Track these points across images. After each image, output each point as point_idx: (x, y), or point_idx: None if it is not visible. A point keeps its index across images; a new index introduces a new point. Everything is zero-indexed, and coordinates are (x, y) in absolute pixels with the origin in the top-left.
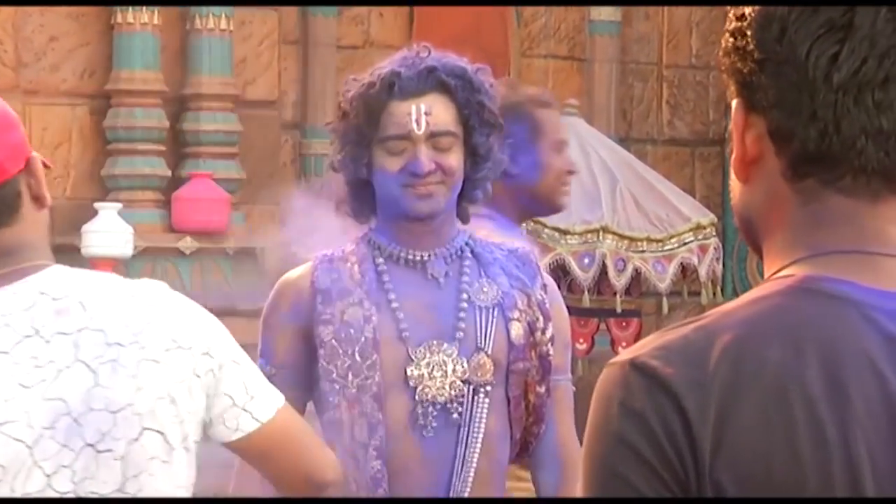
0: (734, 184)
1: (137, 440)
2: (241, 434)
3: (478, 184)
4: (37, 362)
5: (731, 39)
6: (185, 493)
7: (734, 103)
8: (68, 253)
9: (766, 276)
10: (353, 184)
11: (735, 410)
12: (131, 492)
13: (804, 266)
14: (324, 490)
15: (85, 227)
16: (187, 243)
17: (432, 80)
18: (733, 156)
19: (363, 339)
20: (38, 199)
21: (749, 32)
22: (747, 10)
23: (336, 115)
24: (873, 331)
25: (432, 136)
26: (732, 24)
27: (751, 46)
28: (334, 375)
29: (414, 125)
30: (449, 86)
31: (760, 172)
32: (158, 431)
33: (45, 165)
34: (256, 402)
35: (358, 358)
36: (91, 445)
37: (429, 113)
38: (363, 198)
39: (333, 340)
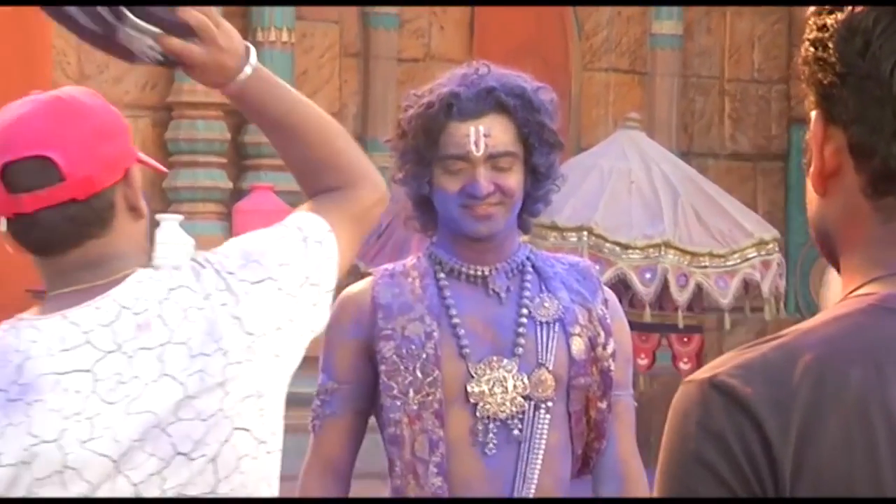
0: (811, 196)
1: (228, 441)
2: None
3: (539, 199)
4: (120, 378)
5: (812, 49)
6: (272, 489)
7: (813, 114)
8: None
9: (843, 292)
10: (416, 199)
11: (817, 431)
12: (224, 492)
13: (884, 284)
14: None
15: None
16: None
17: (491, 101)
18: (811, 168)
19: (424, 355)
20: (134, 210)
21: (831, 44)
22: (829, 20)
23: (395, 131)
24: None
25: (491, 158)
26: (813, 34)
27: (832, 59)
28: (395, 391)
29: (472, 147)
30: (508, 106)
31: (838, 186)
32: (245, 429)
33: (157, 170)
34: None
35: (419, 374)
36: (184, 454)
37: (487, 135)
38: (427, 212)
39: (395, 356)
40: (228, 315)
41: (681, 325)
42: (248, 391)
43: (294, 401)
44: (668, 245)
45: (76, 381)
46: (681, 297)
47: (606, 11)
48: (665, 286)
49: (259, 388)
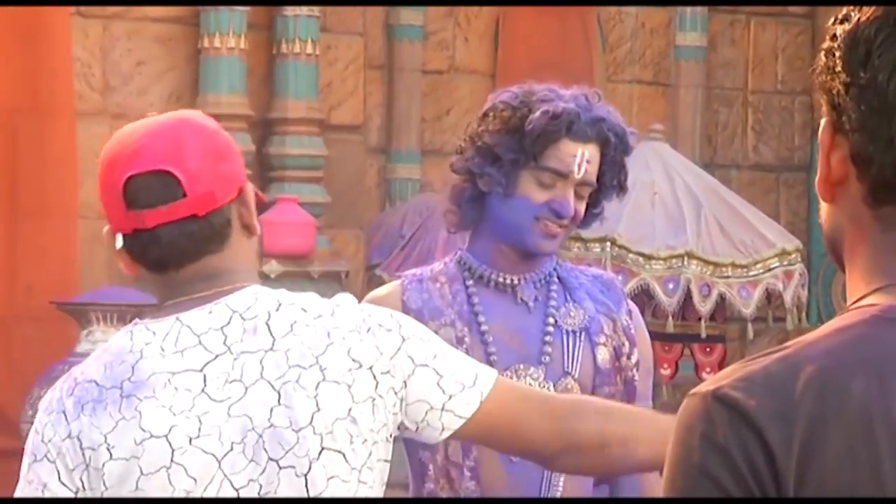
0: (822, 202)
1: (318, 459)
2: (449, 432)
3: (591, 217)
4: (227, 378)
5: (824, 58)
6: None
7: (822, 122)
8: None
9: (848, 302)
10: (472, 193)
11: (820, 443)
12: None
13: (886, 295)
14: (551, 462)
15: None
16: (273, 267)
17: (599, 130)
18: (818, 175)
19: None
20: (247, 228)
21: (838, 53)
22: (839, 29)
23: (491, 123)
24: None
25: (581, 184)
26: (826, 43)
27: (839, 67)
28: None
29: (576, 168)
30: (609, 141)
31: (845, 194)
32: (338, 451)
33: (258, 198)
34: (456, 400)
35: None
36: (274, 461)
37: (590, 161)
38: (474, 210)
39: None
40: (338, 337)
41: (703, 335)
42: (340, 413)
43: None
44: (690, 255)
45: (187, 380)
46: (703, 307)
47: (630, 24)
48: (688, 296)
49: (354, 414)
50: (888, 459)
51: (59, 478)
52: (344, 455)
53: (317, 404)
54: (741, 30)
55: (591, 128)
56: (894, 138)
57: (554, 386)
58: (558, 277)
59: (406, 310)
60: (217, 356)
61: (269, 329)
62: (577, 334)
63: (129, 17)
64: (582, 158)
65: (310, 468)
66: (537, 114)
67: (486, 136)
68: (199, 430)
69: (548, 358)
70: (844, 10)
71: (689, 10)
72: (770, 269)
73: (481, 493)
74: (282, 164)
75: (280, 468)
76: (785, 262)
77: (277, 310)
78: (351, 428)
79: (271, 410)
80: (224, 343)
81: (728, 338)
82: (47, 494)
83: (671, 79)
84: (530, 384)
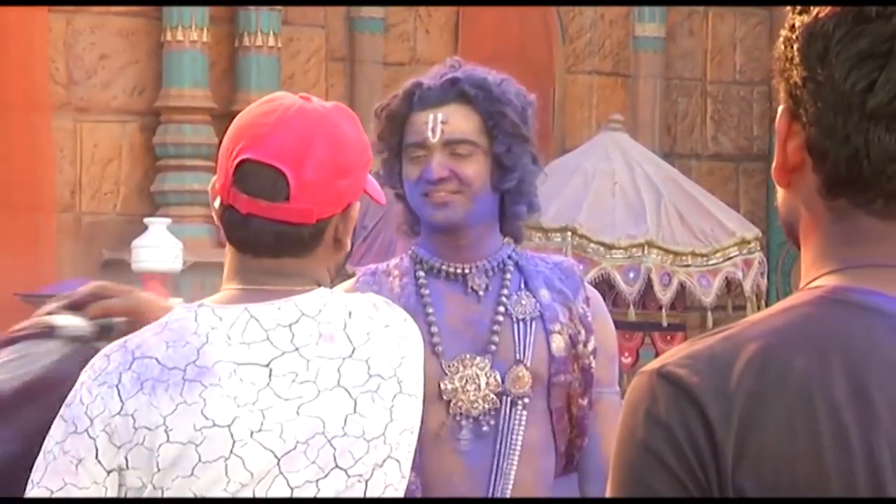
0: (778, 188)
1: (381, 467)
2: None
3: (517, 198)
4: (296, 378)
5: (783, 47)
6: None
7: (780, 109)
8: (118, 268)
9: (801, 285)
10: (399, 197)
11: (759, 418)
12: None
13: (835, 277)
14: None
15: (135, 242)
16: None
17: (453, 91)
18: (774, 162)
19: None
20: (338, 242)
21: (796, 46)
22: (798, 20)
23: (374, 131)
24: None
25: (448, 144)
26: (785, 32)
27: (797, 60)
28: None
29: (430, 133)
30: (470, 96)
31: (801, 181)
32: (398, 460)
33: (378, 201)
34: None
35: None
36: (342, 469)
37: (445, 122)
38: (410, 211)
39: None
40: (409, 349)
41: (664, 323)
42: (408, 425)
43: None
44: (651, 245)
45: (253, 373)
46: (664, 295)
47: (590, 15)
48: (648, 285)
49: (414, 425)
50: (827, 434)
51: (97, 455)
52: (400, 464)
53: (391, 415)
54: (700, 20)
55: (440, 91)
56: (850, 135)
57: (502, 375)
58: (516, 265)
59: None
60: (283, 353)
61: (347, 337)
62: (529, 323)
63: (93, 11)
64: (434, 122)
65: (372, 475)
66: (379, 105)
67: (374, 145)
68: (262, 424)
69: (494, 347)
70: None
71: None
72: (730, 258)
73: (429, 483)
74: None
75: (348, 476)
76: (744, 251)
77: (350, 317)
78: (411, 438)
79: (346, 419)
80: (291, 342)
81: (688, 326)
82: (81, 472)
83: (630, 69)
84: (477, 374)
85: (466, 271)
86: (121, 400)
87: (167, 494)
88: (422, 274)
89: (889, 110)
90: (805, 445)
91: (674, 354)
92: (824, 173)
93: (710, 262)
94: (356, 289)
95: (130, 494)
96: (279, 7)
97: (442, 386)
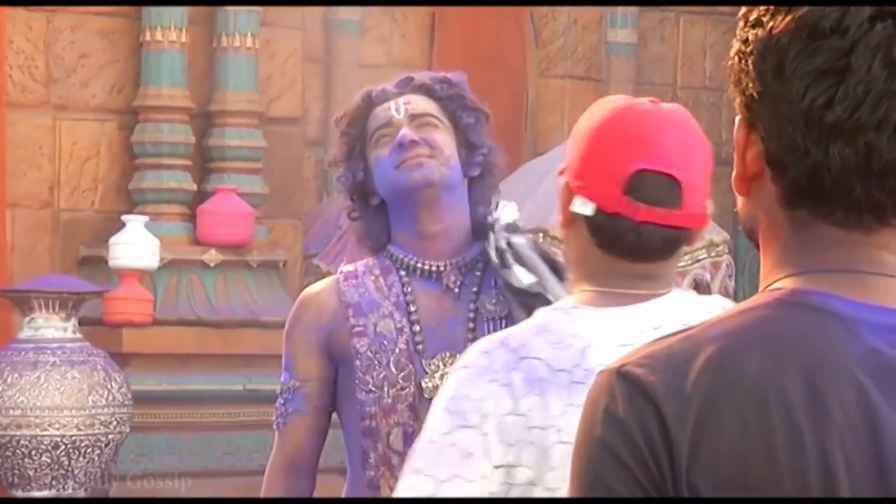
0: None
1: None
2: None
3: (484, 191)
4: None
5: (736, 59)
6: None
7: (738, 119)
8: (96, 264)
9: (760, 288)
10: (362, 210)
11: (714, 417)
12: None
13: (793, 280)
14: None
15: (112, 240)
16: (212, 256)
17: (410, 85)
18: (734, 172)
19: (397, 350)
20: (688, 242)
21: (750, 61)
22: (751, 34)
23: (336, 145)
24: (856, 343)
25: (413, 118)
26: (738, 45)
27: (752, 74)
28: (370, 386)
29: (394, 112)
30: (426, 86)
31: (760, 190)
32: None
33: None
34: None
35: (393, 369)
36: None
37: (408, 102)
38: (377, 223)
39: (369, 352)
40: None
41: None
42: None
43: (257, 398)
44: None
45: None
46: None
47: (563, 20)
48: None
49: None
50: (780, 433)
51: (488, 451)
52: None
53: None
54: (671, 27)
55: (396, 87)
56: (810, 150)
57: None
58: (487, 263)
59: (344, 304)
60: None
61: None
62: (498, 322)
63: (73, 11)
64: (397, 105)
65: None
66: (339, 116)
67: (334, 157)
68: None
69: (471, 345)
70: (755, 12)
71: (620, 7)
72: (698, 261)
73: None
74: (221, 155)
75: None
76: (713, 254)
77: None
78: None
79: None
80: None
81: None
82: (469, 465)
83: (602, 74)
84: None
85: (441, 269)
86: (513, 399)
87: (557, 494)
88: (403, 272)
89: (849, 125)
90: (758, 445)
91: (634, 354)
92: (784, 185)
93: (680, 265)
94: (342, 290)
95: (516, 491)
96: (257, 8)
97: (423, 384)
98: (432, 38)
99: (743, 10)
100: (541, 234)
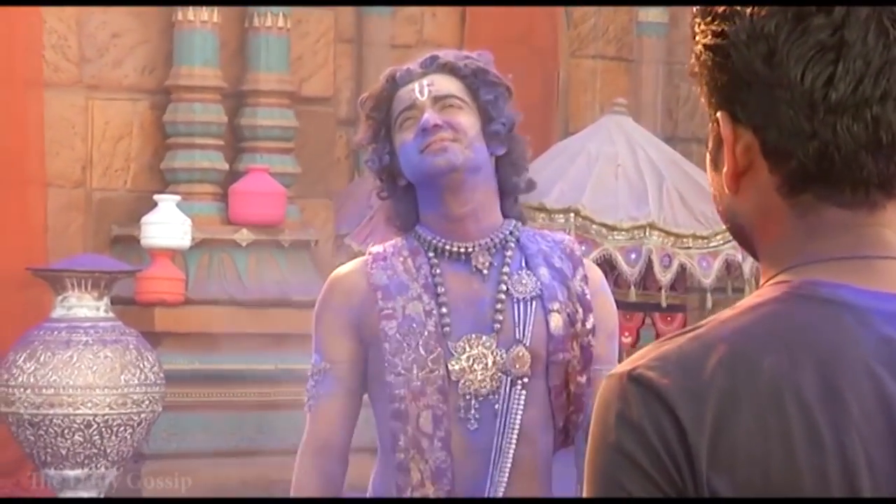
0: (718, 193)
1: None
2: None
3: (511, 168)
4: None
5: (710, 54)
6: None
7: (720, 115)
8: (128, 244)
9: (762, 282)
10: (391, 191)
11: (731, 418)
12: None
13: (800, 271)
14: None
15: (144, 219)
16: (243, 235)
17: (434, 65)
18: (725, 169)
19: (426, 332)
20: None
21: (732, 52)
22: (725, 26)
23: (362, 129)
24: (868, 333)
25: (437, 100)
26: (709, 39)
27: (737, 66)
28: (399, 368)
29: (418, 94)
30: (451, 65)
31: (751, 184)
32: None
33: None
34: None
35: (422, 351)
36: None
37: (431, 84)
38: (405, 203)
39: (398, 334)
40: None
41: (664, 304)
42: None
43: (289, 378)
44: (652, 227)
45: None
46: (664, 277)
47: None
48: (649, 266)
49: None
50: (798, 432)
51: None
52: None
53: None
54: None
55: (420, 67)
56: (817, 131)
57: (506, 353)
58: (517, 242)
59: (374, 286)
60: None
61: None
62: (529, 302)
63: None
64: (421, 86)
65: None
66: (364, 97)
67: (360, 141)
68: None
69: (499, 325)
70: (720, 9)
71: None
72: (729, 241)
73: (452, 463)
74: (253, 134)
75: None
76: None
77: None
78: None
79: None
80: None
81: (688, 307)
82: None
83: (633, 54)
84: (483, 353)
85: (470, 250)
86: None
87: None
88: (431, 254)
89: (853, 101)
90: (777, 445)
91: (643, 356)
92: (786, 172)
93: (711, 245)
94: (370, 272)
95: None
96: None
97: (450, 366)
98: (463, 18)
99: (696, 8)
100: (572, 214)
